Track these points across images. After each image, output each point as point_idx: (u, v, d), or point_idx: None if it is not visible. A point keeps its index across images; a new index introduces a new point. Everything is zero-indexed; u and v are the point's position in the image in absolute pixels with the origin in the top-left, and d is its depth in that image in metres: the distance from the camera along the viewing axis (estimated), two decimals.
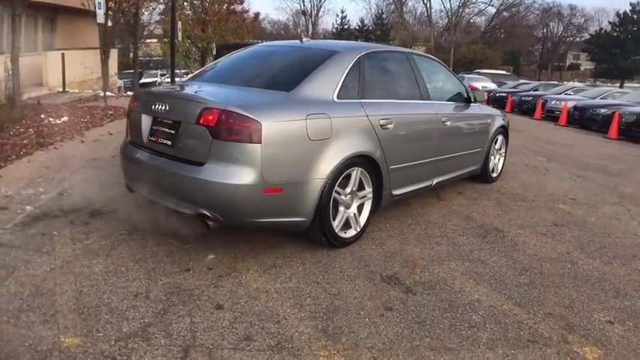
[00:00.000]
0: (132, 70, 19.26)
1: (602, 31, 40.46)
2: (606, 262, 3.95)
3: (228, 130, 3.00)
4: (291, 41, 4.64)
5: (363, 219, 3.84)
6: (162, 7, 22.24)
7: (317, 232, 3.50)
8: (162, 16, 22.69)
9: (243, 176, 3.01)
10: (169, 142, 3.32)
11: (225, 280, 3.14)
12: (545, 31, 51.92)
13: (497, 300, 3.16)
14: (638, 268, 3.88)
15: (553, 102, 16.78)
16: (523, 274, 3.58)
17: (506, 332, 2.81)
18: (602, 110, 14.18)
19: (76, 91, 14.06)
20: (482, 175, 5.87)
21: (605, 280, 3.61)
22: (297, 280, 3.20)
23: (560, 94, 19.19)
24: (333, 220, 3.55)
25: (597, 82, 41.43)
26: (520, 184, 6.30)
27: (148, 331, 2.54)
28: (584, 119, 14.69)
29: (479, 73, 27.76)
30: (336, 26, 52.59)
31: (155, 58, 34.24)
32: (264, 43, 5.18)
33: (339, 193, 3.54)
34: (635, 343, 2.78)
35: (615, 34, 37.43)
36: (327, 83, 3.54)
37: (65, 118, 7.67)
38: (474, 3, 46.86)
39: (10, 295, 2.82)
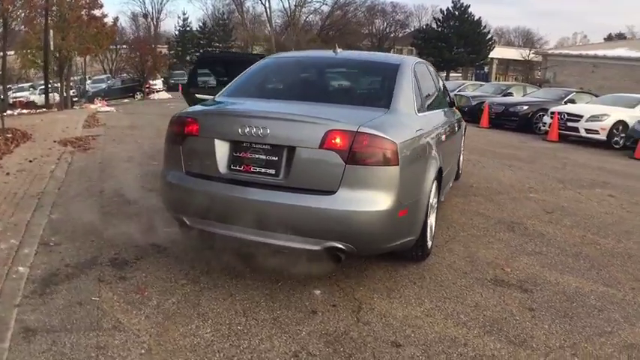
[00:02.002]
0: None
1: (428, 26, 46.41)
2: (617, 240, 4.86)
3: (366, 154, 2.96)
4: (324, 51, 4.64)
5: (433, 228, 4.10)
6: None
7: (418, 247, 3.65)
8: (23, 28, 19.65)
9: (384, 201, 3.02)
10: (272, 171, 3.12)
11: (365, 314, 3.10)
12: (371, 27, 57.36)
13: (589, 285, 3.73)
14: (639, 241, 4.85)
15: None
16: (580, 259, 4.24)
17: (625, 309, 3.39)
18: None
19: None
20: (455, 173, 6.54)
21: (632, 254, 4.47)
22: (429, 299, 3.33)
23: None
24: None
25: None
26: (478, 178, 7.17)
27: None
28: None
29: None
30: (178, 28, 53.78)
31: None
32: (294, 54, 5.03)
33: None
34: None
35: (439, 29, 43.27)
36: (408, 98, 3.71)
37: None
38: (310, 2, 49.84)
39: None
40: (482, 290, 3.52)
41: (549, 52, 35.65)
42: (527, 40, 67.64)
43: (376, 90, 3.75)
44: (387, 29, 58.38)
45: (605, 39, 49.74)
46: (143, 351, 2.65)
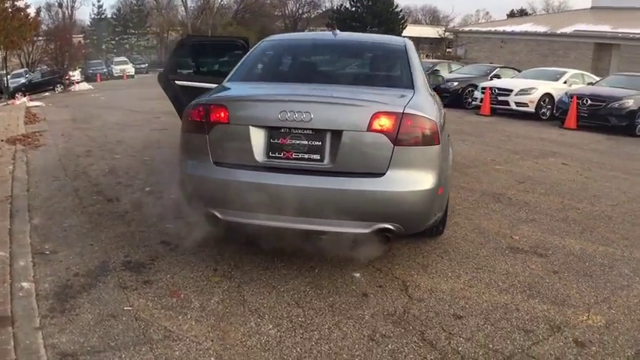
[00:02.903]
0: None
1: (342, 6, 47.07)
2: (590, 203, 5.36)
3: (413, 135, 3.06)
4: (323, 33, 4.63)
5: None
6: None
7: (440, 222, 3.83)
8: None
9: (428, 180, 3.13)
10: (317, 156, 3.11)
11: (414, 291, 3.23)
12: (284, 9, 57.27)
13: (590, 246, 4.12)
14: (608, 204, 5.40)
15: None
16: (571, 224, 4.65)
17: (629, 264, 3.81)
18: None
19: None
20: None
21: (610, 216, 4.96)
22: (464, 271, 3.53)
23: None
24: None
25: None
26: None
27: None
28: None
29: None
30: (93, 16, 54.19)
31: None
32: (293, 37, 4.94)
33: None
34: None
35: (353, 8, 44.14)
36: (423, 78, 3.83)
37: None
38: None
39: None
40: (504, 258, 3.78)
41: (461, 29, 37.56)
42: (434, 17, 70.62)
43: (394, 71, 3.84)
44: (300, 10, 58.48)
45: (507, 15, 52.95)
46: (213, 359, 2.56)
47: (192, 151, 3.41)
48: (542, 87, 13.13)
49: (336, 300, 3.11)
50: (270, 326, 2.83)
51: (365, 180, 3.06)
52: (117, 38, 53.24)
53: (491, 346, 2.68)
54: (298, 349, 2.64)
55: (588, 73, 14.86)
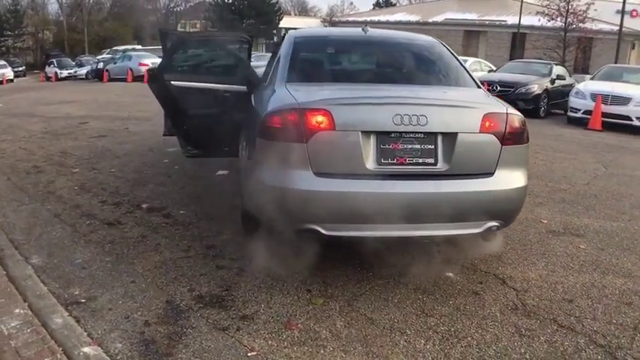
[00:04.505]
0: None
1: None
2: (569, 184, 6.12)
3: (516, 134, 3.31)
4: (356, 29, 4.61)
5: None
6: None
7: None
8: None
9: (524, 176, 3.42)
10: (431, 160, 3.18)
11: (514, 283, 3.47)
12: (156, 3, 54.92)
13: (605, 223, 4.73)
14: (581, 183, 6.24)
15: None
16: (572, 204, 5.28)
17: None
18: None
19: None
20: None
21: (594, 194, 5.71)
22: (536, 258, 3.89)
23: None
24: None
25: None
26: None
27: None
28: None
29: (134, 50, 28.16)
30: None
31: None
32: (325, 33, 4.82)
33: None
34: None
35: (229, 1, 43.41)
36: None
37: None
38: None
39: None
40: (554, 242, 4.22)
41: (338, 19, 38.84)
42: (302, 9, 71.99)
43: (455, 70, 4.02)
44: (172, 3, 56.60)
45: (373, 5, 55.59)
46: None
47: (279, 162, 3.16)
48: None
49: (457, 303, 3.22)
50: (422, 341, 2.80)
51: (478, 181, 3.24)
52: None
53: (614, 321, 3.05)
54: (470, 358, 2.70)
55: (485, 61, 16.36)
